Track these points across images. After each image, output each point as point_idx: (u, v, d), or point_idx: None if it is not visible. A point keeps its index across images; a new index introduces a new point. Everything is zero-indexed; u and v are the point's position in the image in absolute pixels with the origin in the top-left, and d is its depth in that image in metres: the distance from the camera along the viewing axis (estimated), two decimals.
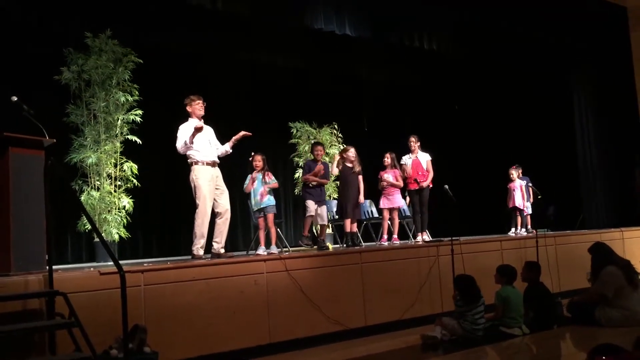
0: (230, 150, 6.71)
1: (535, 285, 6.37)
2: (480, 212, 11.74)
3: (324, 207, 7.67)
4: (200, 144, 6.35)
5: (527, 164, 10.73)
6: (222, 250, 6.34)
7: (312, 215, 7.60)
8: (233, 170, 10.89)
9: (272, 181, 7.08)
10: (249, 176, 7.14)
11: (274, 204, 7.10)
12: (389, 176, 8.36)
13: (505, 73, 12.36)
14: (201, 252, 6.25)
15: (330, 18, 9.16)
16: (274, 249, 6.92)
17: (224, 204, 6.41)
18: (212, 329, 5.31)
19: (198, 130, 6.18)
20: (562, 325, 6.19)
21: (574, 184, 12.02)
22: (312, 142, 7.87)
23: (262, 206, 7.00)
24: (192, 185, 6.30)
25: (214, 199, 6.35)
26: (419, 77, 12.58)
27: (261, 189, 7.02)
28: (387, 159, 8.44)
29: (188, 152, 6.33)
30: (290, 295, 5.90)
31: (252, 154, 7.21)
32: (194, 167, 6.30)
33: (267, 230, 7.11)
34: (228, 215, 6.45)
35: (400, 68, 12.08)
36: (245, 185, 7.17)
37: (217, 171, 6.44)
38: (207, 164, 6.33)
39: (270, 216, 7.02)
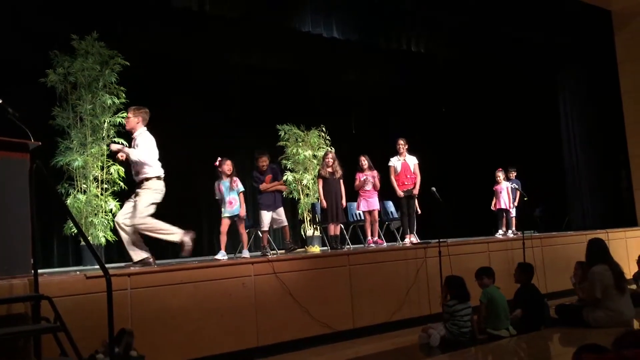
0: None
1: (527, 287, 6.39)
2: (468, 214, 11.80)
3: (281, 209, 7.45)
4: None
5: (514, 165, 10.80)
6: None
7: (267, 231, 7.39)
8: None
9: (240, 189, 6.96)
10: (217, 182, 7.01)
11: (242, 214, 6.99)
12: (368, 177, 8.40)
13: (491, 76, 12.43)
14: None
15: (318, 21, 9.17)
16: (245, 254, 6.87)
17: None
18: (199, 332, 5.29)
19: None
20: (549, 326, 6.21)
21: (560, 185, 12.10)
22: (256, 153, 7.73)
23: (234, 214, 6.92)
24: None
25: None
26: (407, 80, 12.61)
27: (230, 196, 6.92)
28: (364, 162, 8.48)
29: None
30: (278, 298, 5.90)
31: (220, 158, 7.03)
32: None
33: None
34: None
35: (388, 70, 12.12)
36: (216, 192, 7.06)
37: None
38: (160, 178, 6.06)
39: (242, 222, 7.01)
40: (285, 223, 7.48)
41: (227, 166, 6.96)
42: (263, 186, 7.37)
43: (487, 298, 6.01)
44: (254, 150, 11.34)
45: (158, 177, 5.92)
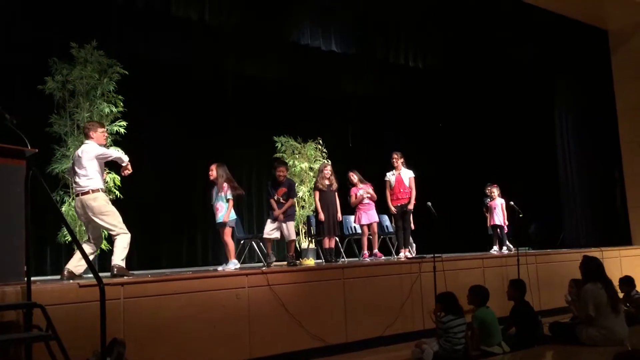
0: None
1: (521, 304, 6.37)
2: (463, 229, 11.80)
3: (291, 223, 7.39)
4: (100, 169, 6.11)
5: (509, 181, 10.82)
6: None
7: (268, 238, 7.31)
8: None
9: (227, 196, 6.85)
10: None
11: (224, 220, 6.83)
12: (363, 191, 8.40)
13: (488, 91, 12.51)
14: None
15: (317, 34, 9.23)
16: (231, 265, 6.75)
17: None
18: (192, 343, 5.27)
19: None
20: (543, 344, 6.20)
21: (554, 202, 12.12)
22: (275, 158, 7.57)
23: (217, 221, 6.89)
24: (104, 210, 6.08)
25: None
26: (404, 93, 12.68)
27: (217, 202, 6.91)
28: (354, 177, 8.52)
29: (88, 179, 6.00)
30: (272, 310, 5.87)
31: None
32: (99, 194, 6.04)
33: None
34: None
35: (385, 84, 12.17)
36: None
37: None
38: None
39: (226, 230, 6.84)
40: (292, 238, 7.39)
41: (210, 171, 6.97)
42: (272, 203, 7.32)
43: (478, 323, 5.95)
44: (250, 161, 11.46)
45: None
